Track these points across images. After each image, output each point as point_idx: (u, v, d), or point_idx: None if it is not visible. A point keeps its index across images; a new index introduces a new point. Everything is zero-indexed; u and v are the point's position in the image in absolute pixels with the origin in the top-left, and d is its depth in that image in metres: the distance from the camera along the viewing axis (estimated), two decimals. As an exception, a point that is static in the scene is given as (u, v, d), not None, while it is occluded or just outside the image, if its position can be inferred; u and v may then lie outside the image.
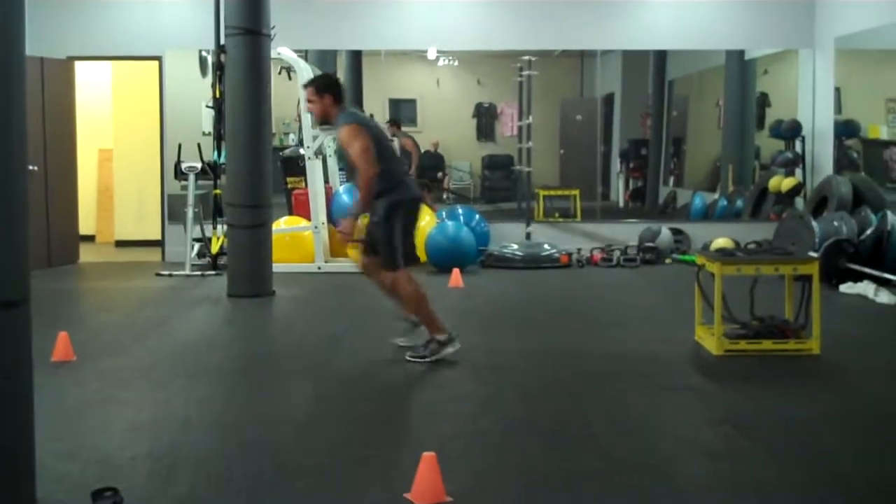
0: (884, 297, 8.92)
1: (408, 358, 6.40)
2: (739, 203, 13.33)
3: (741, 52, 13.44)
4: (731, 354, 6.59)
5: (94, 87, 13.96)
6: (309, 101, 6.65)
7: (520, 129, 13.17)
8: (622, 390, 5.84)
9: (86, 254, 12.47)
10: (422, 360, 6.38)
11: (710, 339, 6.73)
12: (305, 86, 6.73)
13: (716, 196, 13.68)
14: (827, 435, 4.93)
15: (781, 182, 12.54)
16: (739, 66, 13.65)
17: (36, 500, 3.71)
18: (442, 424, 5.08)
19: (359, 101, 13.65)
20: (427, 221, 11.52)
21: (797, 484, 4.19)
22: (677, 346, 6.99)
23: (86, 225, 13.33)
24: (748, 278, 6.95)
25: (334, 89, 6.59)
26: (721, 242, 11.47)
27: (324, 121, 6.67)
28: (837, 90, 12.18)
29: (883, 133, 11.80)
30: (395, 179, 6.41)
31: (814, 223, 10.28)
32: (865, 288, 9.20)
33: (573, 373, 6.30)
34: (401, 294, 6.53)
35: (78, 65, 12.51)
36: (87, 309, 9.42)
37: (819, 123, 12.49)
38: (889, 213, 9.91)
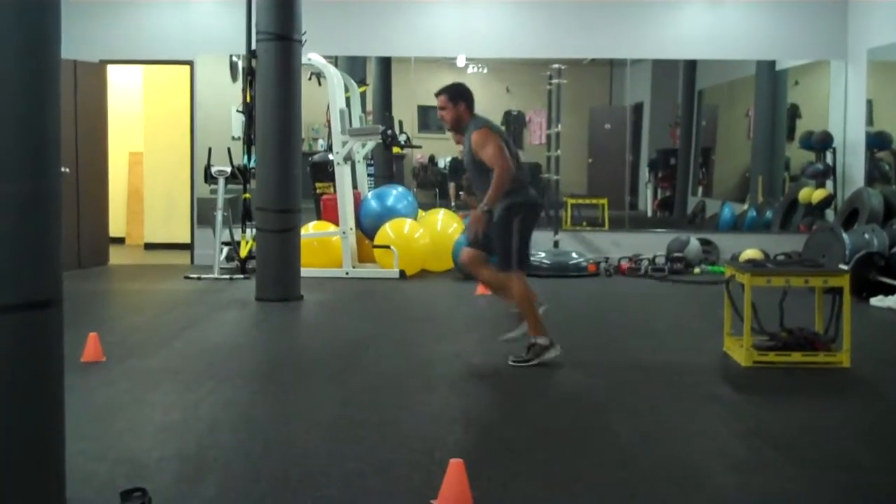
0: (914, 310, 8.85)
1: (511, 362, 6.56)
2: (769, 214, 13.27)
3: (772, 63, 13.38)
4: (760, 366, 6.55)
5: (125, 90, 14.08)
6: (441, 108, 6.76)
7: (548, 137, 13.16)
8: (650, 400, 5.81)
9: (115, 256, 12.56)
10: (525, 363, 6.53)
11: (739, 351, 6.69)
12: (438, 94, 6.79)
13: (745, 207, 13.61)
14: (856, 448, 4.89)
15: (812, 194, 12.45)
16: (770, 77, 13.59)
17: (65, 499, 3.73)
18: (468, 432, 5.07)
19: (388, 108, 13.69)
20: (455, 228, 11.53)
21: (826, 497, 4.15)
22: (705, 356, 6.96)
23: (116, 227, 13.43)
24: (778, 290, 6.91)
25: (468, 97, 6.77)
26: (750, 253, 11.42)
27: (454, 127, 6.79)
28: (869, 102, 12.10)
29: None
30: (518, 183, 6.58)
31: (844, 235, 10.21)
32: (896, 301, 9.14)
33: (600, 382, 6.28)
34: (513, 293, 6.62)
35: (110, 68, 12.60)
36: (116, 310, 9.48)
37: (850, 135, 12.41)
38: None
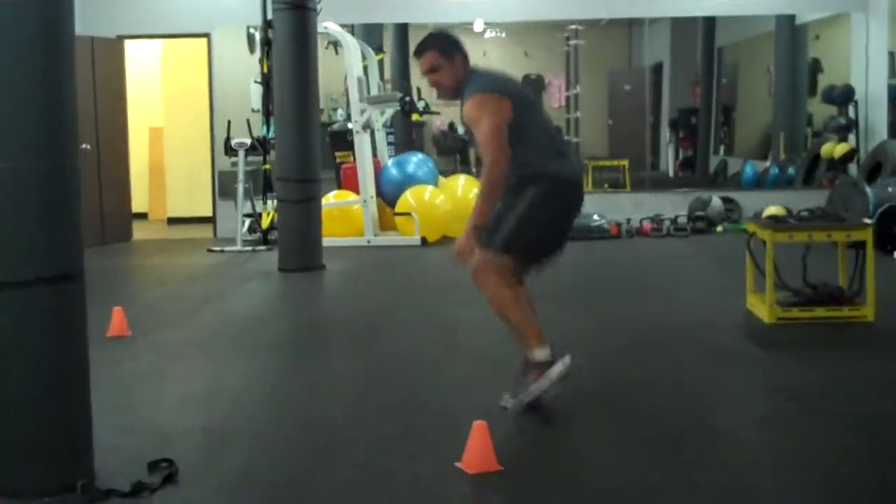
0: (940, 263, 8.79)
1: (503, 406, 4.62)
2: (791, 171, 13.17)
3: (792, 18, 13.24)
4: (784, 322, 6.52)
5: (144, 66, 14.08)
6: (431, 70, 4.75)
7: (567, 99, 13.10)
8: (674, 359, 5.81)
9: (139, 231, 12.62)
10: (522, 402, 4.59)
11: (763, 308, 6.66)
12: (422, 51, 4.77)
13: (767, 164, 13.52)
14: (881, 402, 4.87)
15: (834, 148, 12.35)
16: (790, 32, 13.46)
17: (94, 470, 3.77)
18: (491, 396, 5.08)
19: (406, 76, 13.65)
20: (476, 193, 11.50)
21: (850, 452, 4.15)
22: (729, 314, 6.93)
23: (138, 203, 13.47)
24: (800, 246, 6.87)
25: (461, 45, 4.79)
26: (773, 210, 11.34)
27: (457, 92, 4.76)
28: (891, 54, 11.97)
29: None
30: (552, 151, 4.71)
31: (867, 189, 10.13)
32: (921, 254, 9.07)
33: (624, 343, 6.28)
34: (481, 285, 4.63)
35: (128, 43, 12.61)
36: (141, 285, 9.54)
37: (872, 88, 12.28)
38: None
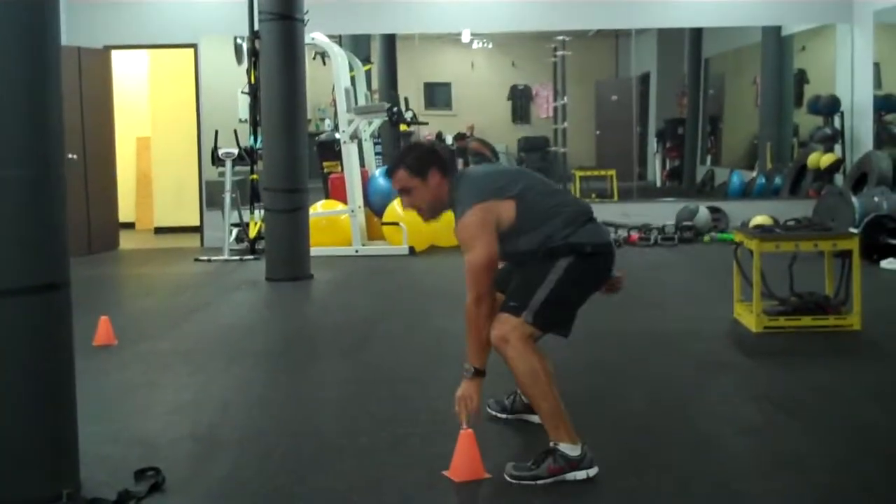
0: (926, 272, 8.83)
1: (508, 476, 3.94)
2: (778, 181, 13.22)
3: (778, 29, 13.31)
4: (771, 331, 6.54)
5: (132, 76, 14.07)
6: (404, 190, 4.15)
7: (555, 110, 13.13)
8: (661, 368, 5.82)
9: (126, 241, 12.60)
10: (532, 480, 3.92)
11: (749, 316, 6.68)
12: (391, 172, 4.23)
13: (754, 174, 13.57)
14: (867, 409, 4.89)
15: (820, 158, 12.41)
16: (776, 43, 13.53)
17: (80, 480, 3.76)
18: (480, 404, 5.07)
19: (393, 86, 13.67)
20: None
21: (838, 458, 4.16)
22: (716, 323, 6.95)
23: (125, 212, 13.45)
24: (787, 256, 6.90)
25: (440, 159, 4.16)
26: (760, 220, 11.38)
27: (436, 213, 4.21)
28: (877, 65, 12.04)
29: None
30: (575, 217, 4.13)
31: (853, 199, 10.18)
32: (907, 263, 9.12)
33: (612, 351, 6.29)
34: (506, 355, 4.01)
35: (115, 54, 12.60)
36: (127, 294, 9.52)
37: (858, 99, 12.36)
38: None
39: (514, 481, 3.91)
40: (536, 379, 3.96)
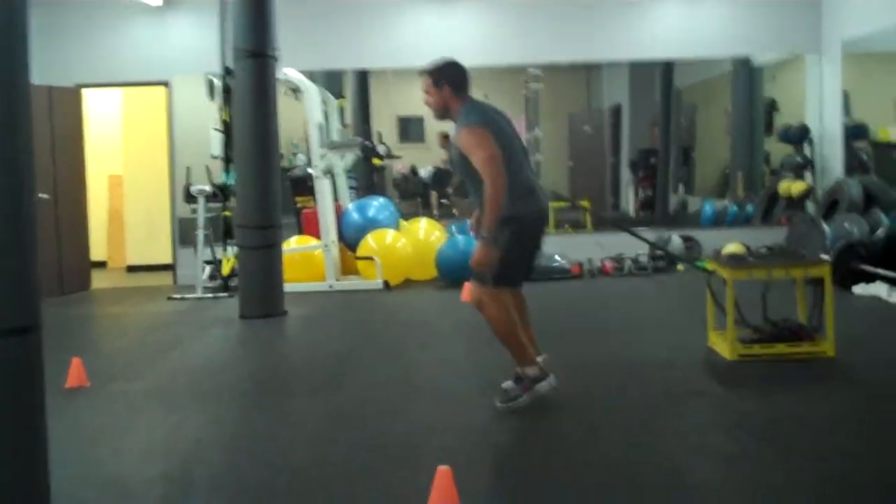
0: (897, 297, 8.89)
1: (499, 405, 5.46)
2: (750, 209, 13.31)
3: (748, 59, 13.42)
4: (745, 359, 6.56)
5: (105, 115, 14.07)
6: (425, 91, 5.61)
7: (527, 142, 13.17)
8: (634, 397, 5.82)
9: (98, 280, 12.52)
10: (515, 401, 5.47)
11: (724, 345, 6.71)
12: (423, 73, 5.64)
13: (726, 202, 13.65)
14: (842, 436, 4.90)
15: (791, 186, 12.51)
16: (747, 73, 13.64)
17: (50, 524, 3.71)
18: (455, 438, 5.06)
19: (367, 120, 13.70)
20: (437, 236, 11.54)
21: (812, 486, 4.16)
22: (691, 352, 6.97)
23: (97, 251, 13.40)
24: (760, 283, 6.93)
25: (454, 78, 5.60)
26: (732, 248, 11.42)
27: (441, 114, 5.63)
28: (846, 94, 12.16)
29: (893, 135, 11.75)
30: (523, 189, 5.40)
31: (824, 226, 10.25)
32: (879, 289, 9.17)
33: (587, 382, 6.27)
34: (485, 313, 5.43)
35: (88, 92, 12.58)
36: (100, 335, 9.45)
37: (827, 127, 12.48)
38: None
39: (503, 406, 5.43)
40: (503, 328, 5.40)
